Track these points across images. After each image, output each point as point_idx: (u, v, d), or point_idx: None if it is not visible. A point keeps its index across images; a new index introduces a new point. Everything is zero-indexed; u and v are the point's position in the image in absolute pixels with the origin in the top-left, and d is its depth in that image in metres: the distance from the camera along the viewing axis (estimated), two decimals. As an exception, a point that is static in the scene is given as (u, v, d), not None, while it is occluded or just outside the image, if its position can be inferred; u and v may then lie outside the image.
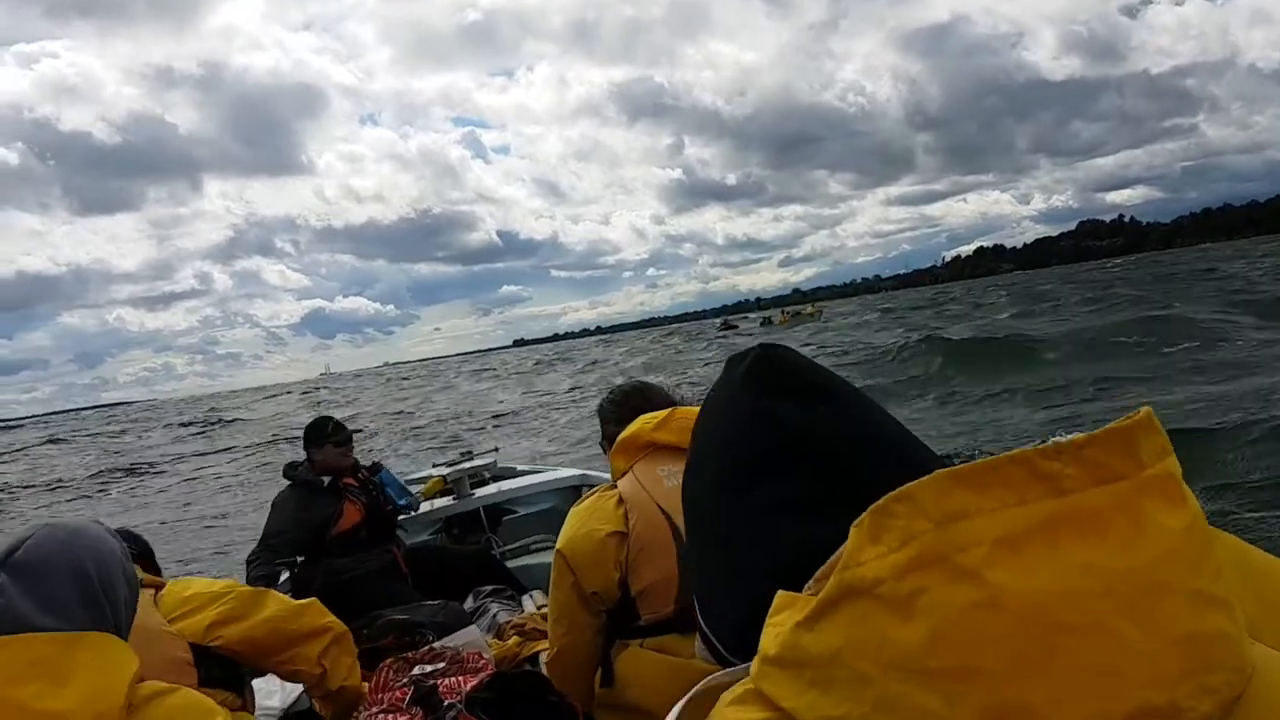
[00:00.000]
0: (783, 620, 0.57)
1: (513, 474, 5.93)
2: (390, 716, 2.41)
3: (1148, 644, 0.49)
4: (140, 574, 2.27)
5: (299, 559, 4.10)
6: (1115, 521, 0.51)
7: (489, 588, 3.86)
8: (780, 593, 0.60)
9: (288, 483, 4.29)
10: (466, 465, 5.73)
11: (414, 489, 5.01)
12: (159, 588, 2.27)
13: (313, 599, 2.36)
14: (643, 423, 2.10)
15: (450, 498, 5.26)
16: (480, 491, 5.37)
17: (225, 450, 27.44)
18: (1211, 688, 0.50)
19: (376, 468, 4.52)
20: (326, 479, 4.20)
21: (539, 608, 3.40)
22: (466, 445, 7.57)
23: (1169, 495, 0.53)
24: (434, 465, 6.00)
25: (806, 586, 0.59)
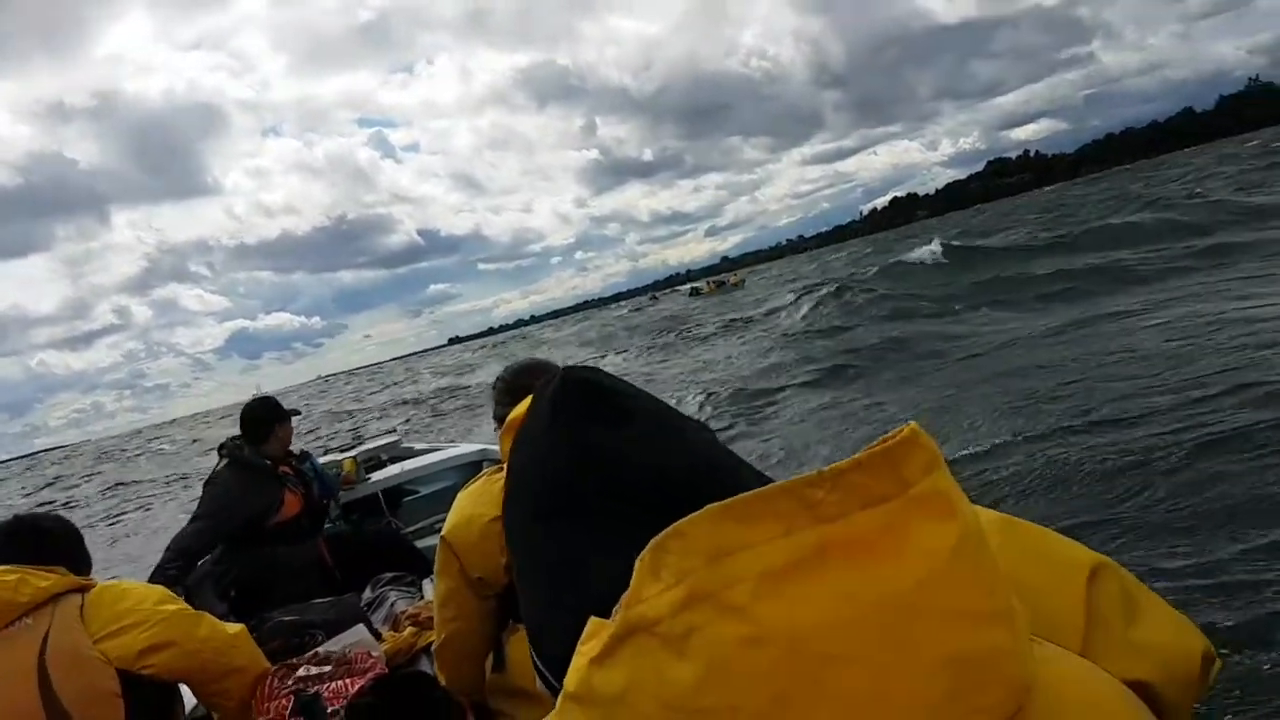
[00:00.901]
0: (585, 653, 0.57)
1: (411, 454, 5.82)
2: (275, 731, 2.27)
3: (911, 670, 0.48)
4: (64, 574, 2.08)
5: (213, 551, 3.86)
6: (878, 546, 0.51)
7: (389, 575, 3.74)
8: (592, 619, 0.59)
9: (223, 462, 3.97)
10: (361, 449, 5.63)
11: None
12: (85, 591, 2.07)
13: (241, 627, 2.28)
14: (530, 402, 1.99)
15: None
16: (376, 475, 5.25)
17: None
18: (982, 707, 0.49)
19: (304, 456, 4.34)
20: (268, 463, 3.97)
21: None
22: (360, 435, 7.42)
23: (936, 511, 0.52)
24: (326, 452, 5.82)
25: (615, 611, 0.58)
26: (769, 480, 0.70)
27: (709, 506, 0.52)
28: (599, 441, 0.73)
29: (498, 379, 2.34)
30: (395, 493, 5.29)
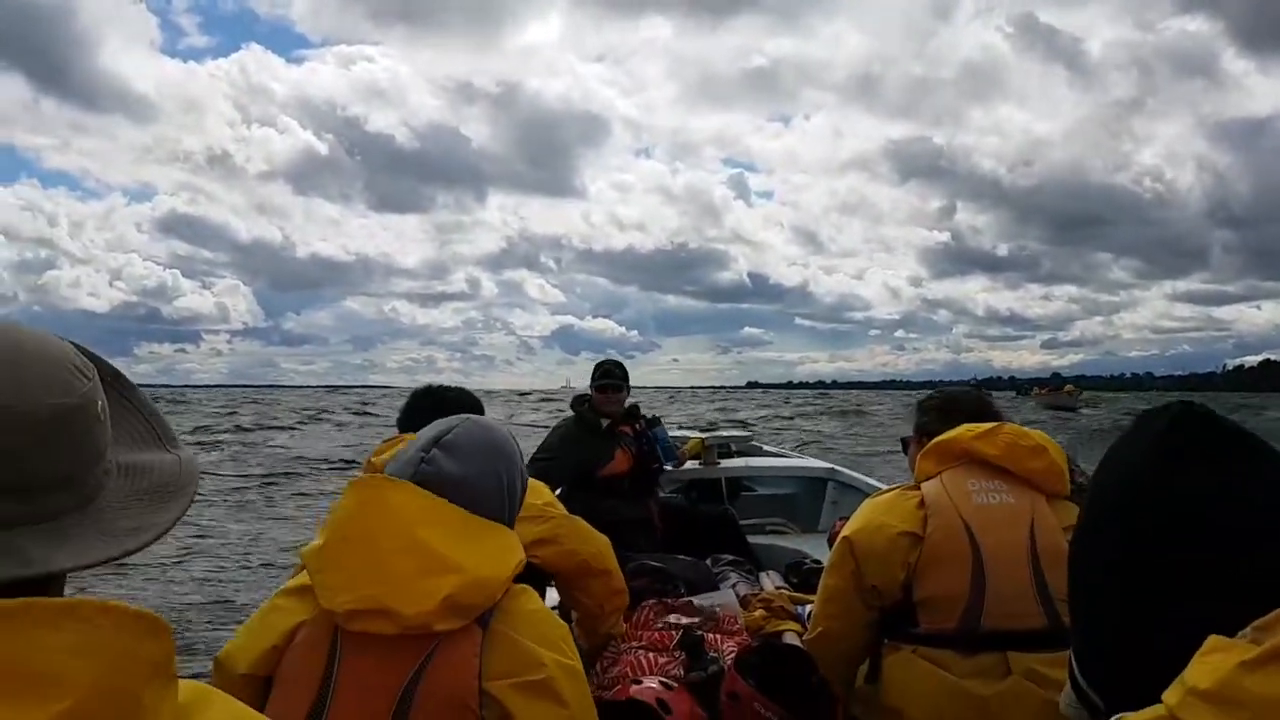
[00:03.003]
0: (1219, 660, 0.56)
1: (759, 453, 5.90)
2: (652, 655, 2.58)
3: None
4: None
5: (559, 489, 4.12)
6: None
7: (728, 557, 3.85)
8: (1213, 636, 0.59)
9: (572, 415, 4.43)
10: (714, 434, 5.76)
11: None
12: None
13: (607, 539, 2.47)
14: (966, 429, 2.01)
15: (696, 462, 5.23)
16: (726, 462, 5.32)
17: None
18: None
19: (654, 422, 4.57)
20: (605, 421, 4.31)
21: (777, 588, 3.39)
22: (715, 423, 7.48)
23: None
24: (681, 427, 6.00)
25: (1242, 634, 0.58)
26: None
27: None
28: (1215, 480, 0.72)
29: (932, 399, 2.35)
30: (736, 484, 5.36)
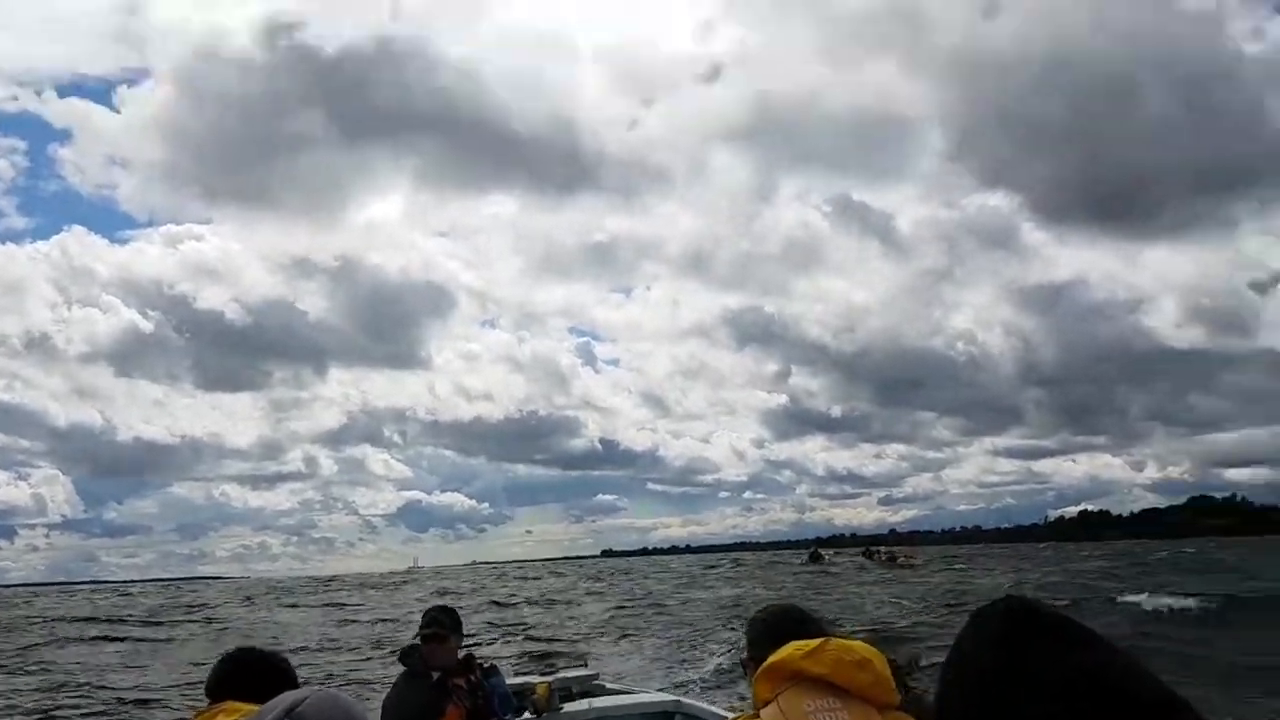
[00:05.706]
0: None
1: (602, 691, 5.84)
2: None
3: None
4: None
5: None
6: None
7: None
8: None
9: (402, 670, 4.31)
10: (556, 676, 5.75)
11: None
12: None
13: None
14: (794, 649, 1.97)
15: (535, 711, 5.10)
16: (569, 707, 5.27)
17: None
18: None
19: (491, 672, 4.44)
20: (436, 674, 4.16)
21: None
22: (553, 657, 7.04)
23: None
24: (517, 673, 6.06)
25: None
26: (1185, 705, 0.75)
27: None
28: (1054, 670, 0.75)
29: (756, 619, 2.36)
30: None
